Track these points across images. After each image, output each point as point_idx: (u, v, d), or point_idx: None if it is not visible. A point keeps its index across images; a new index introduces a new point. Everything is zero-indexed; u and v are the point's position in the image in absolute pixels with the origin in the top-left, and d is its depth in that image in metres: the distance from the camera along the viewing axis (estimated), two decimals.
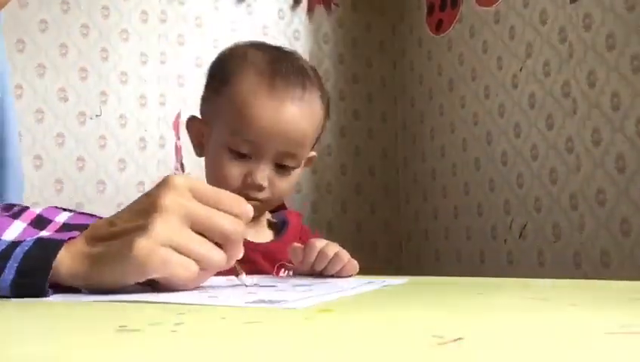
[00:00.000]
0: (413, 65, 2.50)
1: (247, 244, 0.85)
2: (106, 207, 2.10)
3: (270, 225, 0.92)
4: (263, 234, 0.90)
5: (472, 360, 0.24)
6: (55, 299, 0.46)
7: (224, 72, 0.88)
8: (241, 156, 0.84)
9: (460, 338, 0.27)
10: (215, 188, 0.52)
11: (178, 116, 2.22)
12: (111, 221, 0.50)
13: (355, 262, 0.71)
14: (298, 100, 0.84)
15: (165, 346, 0.28)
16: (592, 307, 0.40)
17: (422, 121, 2.44)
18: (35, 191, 2.01)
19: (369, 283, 0.55)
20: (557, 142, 1.79)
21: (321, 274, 0.69)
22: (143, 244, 0.45)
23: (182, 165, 2.18)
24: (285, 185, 0.86)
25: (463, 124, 2.20)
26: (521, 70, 1.93)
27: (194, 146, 0.91)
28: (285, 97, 0.83)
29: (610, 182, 1.60)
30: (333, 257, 0.69)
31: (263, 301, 0.38)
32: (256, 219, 0.90)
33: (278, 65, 0.86)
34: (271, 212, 0.95)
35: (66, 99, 2.12)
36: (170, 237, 0.46)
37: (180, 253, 0.47)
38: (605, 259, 1.61)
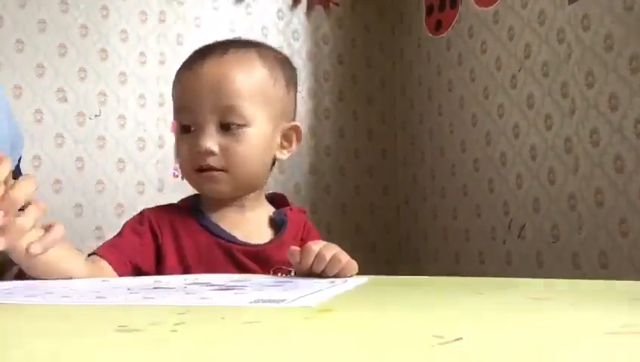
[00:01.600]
0: (413, 66, 2.50)
1: (240, 248, 0.84)
2: (105, 208, 2.10)
3: (271, 222, 0.89)
4: (261, 233, 0.87)
5: (472, 360, 0.24)
6: (55, 299, 0.46)
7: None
8: (187, 131, 0.84)
9: (459, 339, 0.27)
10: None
11: None
12: None
13: (355, 263, 0.71)
14: (218, 57, 0.84)
15: (165, 346, 0.28)
16: (592, 307, 0.41)
17: (421, 121, 2.44)
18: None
19: (332, 283, 0.57)
20: (555, 143, 1.79)
21: (320, 276, 0.69)
22: None
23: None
24: (241, 148, 0.82)
25: (462, 124, 2.20)
26: (519, 70, 1.93)
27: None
28: (202, 61, 0.84)
29: (608, 183, 1.60)
30: (331, 259, 0.68)
31: (262, 300, 0.38)
32: (244, 208, 0.87)
33: (211, 44, 0.87)
34: (275, 207, 0.93)
35: (64, 100, 2.11)
36: None
37: None
38: (604, 259, 1.61)
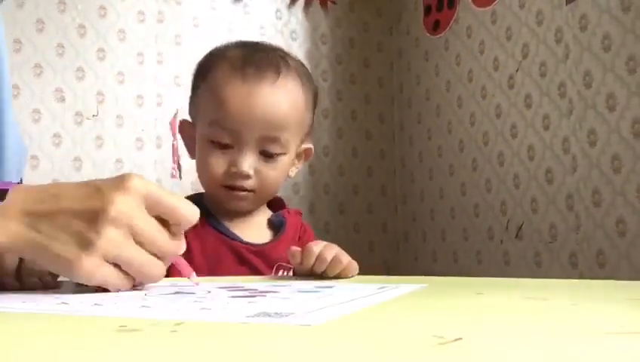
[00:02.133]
0: (411, 66, 2.50)
1: (243, 246, 0.85)
2: None
3: (270, 224, 0.91)
4: (261, 235, 0.90)
5: (472, 360, 0.24)
6: (55, 299, 0.46)
7: (202, 70, 0.91)
8: (223, 147, 0.84)
9: (459, 339, 0.27)
10: (173, 196, 0.53)
11: (175, 116, 2.21)
12: (56, 195, 0.50)
13: (355, 263, 0.71)
14: (271, 84, 0.84)
15: (165, 346, 0.28)
16: (592, 307, 0.41)
17: (419, 121, 2.44)
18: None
19: (382, 288, 0.52)
20: (553, 143, 1.79)
21: (321, 277, 0.69)
22: (87, 263, 0.47)
23: (179, 165, 2.18)
24: (273, 173, 0.85)
25: (460, 124, 2.20)
26: (517, 71, 1.94)
27: (187, 149, 0.93)
28: (258, 82, 0.84)
29: (606, 183, 1.61)
30: (332, 260, 0.68)
31: (267, 314, 0.37)
32: (249, 213, 0.90)
33: (251, 56, 0.87)
34: (271, 210, 0.95)
35: (62, 100, 2.11)
36: (113, 254, 0.48)
37: (122, 267, 0.49)
38: (601, 259, 1.62)
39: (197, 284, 0.56)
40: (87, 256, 0.47)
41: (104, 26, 2.17)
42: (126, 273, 0.50)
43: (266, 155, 0.85)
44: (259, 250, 0.86)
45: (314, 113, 0.93)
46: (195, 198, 0.92)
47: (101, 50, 2.17)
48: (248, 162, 0.83)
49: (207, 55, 0.93)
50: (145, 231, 0.49)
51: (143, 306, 0.41)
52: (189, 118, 0.93)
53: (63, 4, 2.13)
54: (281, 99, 0.84)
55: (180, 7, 2.28)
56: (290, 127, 0.85)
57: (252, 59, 0.86)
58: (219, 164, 0.84)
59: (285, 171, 0.89)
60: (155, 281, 0.52)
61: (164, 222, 0.52)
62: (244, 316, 0.36)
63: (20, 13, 2.07)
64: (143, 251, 0.50)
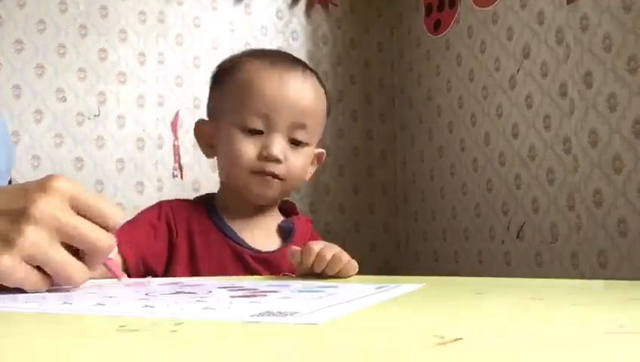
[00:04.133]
0: (412, 66, 2.50)
1: (249, 253, 0.85)
2: None
3: (279, 231, 0.91)
4: (270, 241, 0.89)
5: (472, 360, 0.24)
6: (56, 299, 0.46)
7: (227, 67, 0.92)
8: (254, 134, 0.85)
9: (459, 338, 0.27)
10: (97, 197, 0.53)
11: (176, 116, 2.21)
12: None
13: (355, 262, 0.71)
14: (301, 74, 0.88)
15: (165, 346, 0.28)
16: (592, 307, 0.41)
17: (420, 121, 2.44)
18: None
19: (381, 287, 0.52)
20: (554, 143, 1.79)
21: (320, 276, 0.69)
22: (6, 263, 0.47)
23: (180, 165, 2.18)
24: (300, 162, 0.87)
25: (461, 124, 2.20)
26: (518, 71, 1.93)
27: (204, 149, 0.93)
28: (288, 71, 0.87)
29: (607, 183, 1.60)
30: (331, 259, 0.68)
31: (270, 313, 0.37)
32: (260, 216, 0.90)
33: (277, 54, 0.92)
34: (284, 215, 0.95)
35: (64, 100, 2.11)
36: (33, 254, 0.48)
37: (42, 267, 0.48)
38: (603, 259, 1.62)
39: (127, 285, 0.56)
40: (7, 254, 0.47)
41: (105, 26, 2.18)
42: (46, 273, 0.49)
43: (294, 143, 0.87)
44: (265, 258, 0.86)
45: (327, 117, 0.96)
46: (207, 198, 0.92)
47: (102, 50, 2.17)
48: (280, 147, 0.85)
49: (227, 59, 0.94)
50: (74, 228, 0.49)
51: (146, 306, 0.41)
52: (200, 119, 0.95)
53: (64, 4, 2.13)
54: (309, 88, 0.88)
55: (181, 8, 2.29)
56: (315, 118, 0.88)
57: (278, 56, 0.91)
58: (250, 149, 0.86)
59: (307, 165, 0.90)
60: (76, 284, 0.51)
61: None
62: (247, 315, 0.36)
63: (21, 13, 2.07)
64: (66, 253, 0.49)
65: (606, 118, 1.61)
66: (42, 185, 0.49)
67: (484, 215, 2.08)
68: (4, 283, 0.48)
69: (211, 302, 0.43)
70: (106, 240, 0.52)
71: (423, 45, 2.42)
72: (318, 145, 0.95)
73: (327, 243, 0.72)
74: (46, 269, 0.49)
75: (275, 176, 0.85)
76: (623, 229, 1.56)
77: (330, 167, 2.45)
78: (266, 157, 0.84)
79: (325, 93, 0.93)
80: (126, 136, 2.18)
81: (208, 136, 0.92)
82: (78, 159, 2.11)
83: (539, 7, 1.86)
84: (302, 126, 0.86)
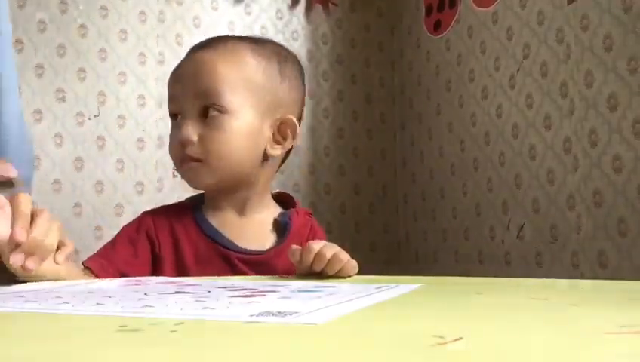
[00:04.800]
0: (412, 66, 2.50)
1: (238, 256, 0.81)
2: (104, 208, 2.10)
3: (275, 225, 0.86)
4: (264, 238, 0.84)
5: (472, 360, 0.24)
6: (57, 298, 0.46)
7: None
8: (175, 119, 0.84)
9: (459, 338, 0.27)
10: None
11: None
12: None
13: (355, 262, 0.71)
14: (205, 48, 0.84)
15: (165, 346, 0.28)
16: (592, 307, 0.41)
17: (420, 121, 2.44)
18: (32, 191, 2.00)
19: (380, 287, 0.52)
20: (554, 143, 1.79)
21: (320, 275, 0.69)
22: None
23: None
24: (219, 136, 0.79)
25: (461, 124, 2.20)
26: (518, 71, 1.93)
27: None
28: (195, 50, 0.85)
29: (607, 183, 1.60)
30: (331, 258, 0.68)
31: (270, 313, 0.37)
32: (248, 211, 0.84)
33: (207, 39, 0.87)
34: (282, 206, 0.90)
35: (64, 100, 2.11)
36: None
37: None
38: (603, 259, 1.61)
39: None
40: None
41: (105, 26, 2.18)
42: None
43: (206, 115, 0.80)
44: (257, 259, 0.81)
45: (294, 87, 0.87)
46: (197, 198, 0.89)
47: (102, 50, 2.17)
48: (188, 126, 0.80)
49: None
50: None
51: (146, 306, 0.41)
52: None
53: (64, 4, 2.13)
54: (212, 55, 0.82)
55: (181, 8, 2.29)
56: (225, 80, 0.80)
57: (211, 38, 0.87)
58: (172, 137, 0.84)
59: (240, 137, 0.80)
60: None
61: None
62: (247, 315, 0.36)
63: (21, 13, 2.07)
64: None
65: (606, 118, 1.61)
66: None
67: (484, 215, 2.08)
68: None
69: (211, 301, 0.43)
70: None
71: (423, 45, 2.42)
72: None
73: (327, 242, 0.72)
74: None
75: (192, 159, 0.80)
76: (623, 229, 1.56)
77: (330, 166, 2.45)
78: (179, 141, 0.80)
79: (274, 53, 0.85)
80: (126, 137, 2.18)
81: None
82: (78, 159, 2.11)
83: (539, 6, 1.86)
84: (209, 92, 0.79)
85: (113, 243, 0.83)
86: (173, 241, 0.82)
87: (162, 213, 0.85)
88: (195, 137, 0.80)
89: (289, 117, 0.85)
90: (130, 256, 0.81)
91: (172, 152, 0.84)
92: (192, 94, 0.81)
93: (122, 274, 0.77)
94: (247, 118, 0.81)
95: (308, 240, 0.83)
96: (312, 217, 0.92)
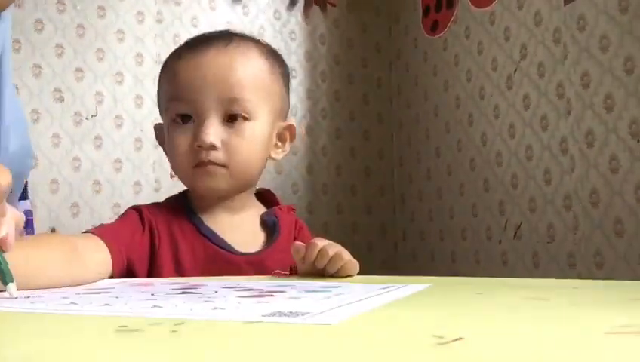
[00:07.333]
0: (409, 66, 2.50)
1: (236, 258, 0.80)
2: (102, 207, 2.10)
3: (262, 225, 0.85)
4: (255, 237, 0.83)
5: (472, 360, 0.24)
6: (63, 299, 0.46)
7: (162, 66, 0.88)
8: (185, 121, 0.79)
9: (459, 338, 0.27)
10: None
11: None
12: None
13: (356, 262, 0.71)
14: (222, 50, 0.81)
15: (165, 346, 0.28)
16: (592, 307, 0.41)
17: (417, 121, 2.44)
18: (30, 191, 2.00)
19: (387, 287, 0.52)
20: (551, 143, 1.79)
21: (320, 274, 0.69)
22: None
23: None
24: (243, 143, 0.78)
25: (458, 124, 2.20)
26: (515, 71, 1.94)
27: (167, 156, 0.86)
28: (206, 51, 0.81)
29: (603, 183, 1.61)
30: (333, 256, 0.69)
31: (282, 313, 0.36)
32: (237, 211, 0.82)
33: (202, 35, 0.86)
34: (264, 204, 0.88)
35: (61, 100, 2.11)
36: None
37: None
38: (599, 259, 1.62)
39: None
40: None
41: (103, 26, 2.17)
42: None
43: (230, 120, 0.78)
44: (254, 259, 0.80)
45: (288, 90, 0.87)
46: (180, 199, 0.87)
47: (100, 50, 2.16)
48: (211, 131, 0.77)
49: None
50: None
51: (155, 306, 0.41)
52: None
53: (62, 4, 2.12)
54: (234, 59, 0.80)
55: (179, 8, 2.28)
56: (251, 87, 0.79)
57: (201, 36, 0.85)
58: (182, 141, 0.79)
59: (259, 143, 0.80)
60: None
61: None
62: (259, 315, 0.36)
63: (18, 13, 2.07)
64: None
65: (603, 119, 1.61)
66: None
67: (481, 215, 2.08)
68: None
69: (219, 302, 0.43)
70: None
71: (421, 46, 2.42)
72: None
73: (330, 241, 0.72)
74: None
75: (215, 164, 0.78)
76: (620, 229, 1.56)
77: (327, 167, 2.45)
78: (199, 146, 0.77)
79: (272, 58, 0.84)
80: (123, 136, 2.17)
81: (162, 139, 0.86)
82: (76, 159, 2.11)
83: (536, 7, 1.86)
84: (233, 100, 0.77)
85: (118, 225, 0.80)
86: (171, 240, 0.81)
87: (158, 208, 0.83)
88: (219, 143, 0.78)
89: (291, 123, 0.86)
90: (138, 238, 0.78)
91: (184, 158, 0.80)
92: (216, 99, 0.78)
93: (127, 259, 0.75)
94: (264, 124, 0.81)
95: (295, 236, 0.85)
96: (294, 212, 0.90)
